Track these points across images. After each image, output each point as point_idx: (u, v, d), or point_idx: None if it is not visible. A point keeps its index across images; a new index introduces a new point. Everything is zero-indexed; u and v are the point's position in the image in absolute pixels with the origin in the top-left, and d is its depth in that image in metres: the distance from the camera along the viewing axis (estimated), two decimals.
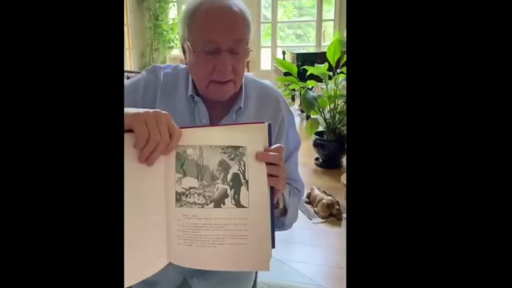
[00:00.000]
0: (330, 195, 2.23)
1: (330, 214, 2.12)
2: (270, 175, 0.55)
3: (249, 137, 0.54)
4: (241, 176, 0.54)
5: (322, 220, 2.11)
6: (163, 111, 0.52)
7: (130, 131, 0.50)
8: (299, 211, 2.14)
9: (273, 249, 0.56)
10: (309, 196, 2.32)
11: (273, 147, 0.55)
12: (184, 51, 0.75)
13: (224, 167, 0.54)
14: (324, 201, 2.15)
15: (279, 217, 0.74)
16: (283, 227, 0.77)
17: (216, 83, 0.69)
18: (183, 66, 0.80)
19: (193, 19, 0.68)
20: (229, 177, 0.54)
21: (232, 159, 0.54)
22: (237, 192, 0.54)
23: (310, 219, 2.13)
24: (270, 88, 0.82)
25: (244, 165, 0.54)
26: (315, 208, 2.21)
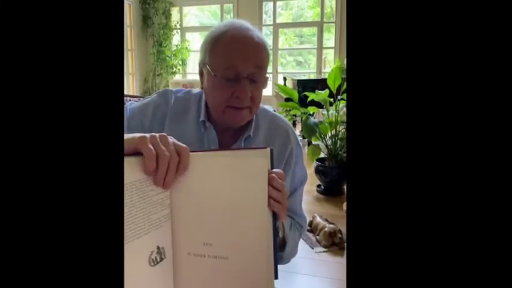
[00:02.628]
0: (332, 224, 2.19)
1: (332, 243, 2.07)
2: (275, 200, 0.52)
3: (249, 163, 0.52)
4: (235, 205, 0.51)
5: (325, 249, 2.06)
6: (168, 136, 0.51)
7: (135, 154, 0.48)
8: (301, 240, 2.11)
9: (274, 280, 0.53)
10: (310, 224, 2.27)
11: (274, 170, 0.53)
12: (201, 75, 0.75)
13: (221, 193, 0.51)
14: (326, 229, 2.10)
15: (277, 250, 0.71)
16: (281, 260, 0.75)
17: (232, 108, 0.70)
18: (196, 91, 0.80)
19: (216, 45, 0.70)
20: (222, 204, 0.51)
21: (228, 186, 0.51)
22: (230, 221, 0.51)
23: (312, 248, 2.07)
24: (280, 120, 0.82)
25: (241, 193, 0.51)
26: (317, 236, 2.16)
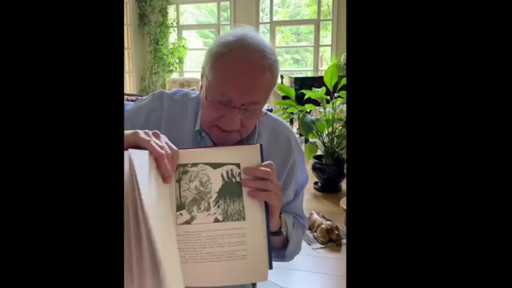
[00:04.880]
0: (329, 220, 2.20)
1: (329, 239, 2.09)
2: (261, 189, 0.57)
3: (242, 155, 0.58)
4: (237, 191, 0.57)
5: (322, 246, 2.07)
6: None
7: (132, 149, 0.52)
8: None
9: (271, 276, 0.56)
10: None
11: (264, 163, 0.58)
12: (202, 78, 0.72)
13: (222, 183, 0.57)
14: (323, 226, 2.12)
15: (281, 248, 0.73)
16: (284, 257, 0.76)
17: (219, 129, 0.67)
18: (194, 94, 0.78)
19: (217, 63, 0.64)
20: (226, 192, 0.57)
21: (228, 175, 0.57)
22: (235, 207, 0.57)
23: (310, 244, 2.09)
24: (282, 126, 0.79)
25: (240, 182, 0.57)
26: (314, 233, 2.17)
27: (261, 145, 0.58)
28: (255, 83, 0.63)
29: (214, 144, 0.73)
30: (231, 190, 0.57)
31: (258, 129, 0.76)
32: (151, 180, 0.50)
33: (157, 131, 0.54)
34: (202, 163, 0.57)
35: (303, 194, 0.84)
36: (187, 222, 0.56)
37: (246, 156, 0.58)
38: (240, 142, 0.75)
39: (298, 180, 0.81)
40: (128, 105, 0.79)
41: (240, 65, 0.63)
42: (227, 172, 0.57)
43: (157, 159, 0.51)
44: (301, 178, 0.82)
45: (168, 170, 0.51)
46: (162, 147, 0.52)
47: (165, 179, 0.52)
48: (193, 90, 0.81)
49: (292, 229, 0.74)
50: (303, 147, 3.38)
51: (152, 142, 0.51)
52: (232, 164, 0.58)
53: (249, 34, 0.65)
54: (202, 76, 0.71)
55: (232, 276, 0.56)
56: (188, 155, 0.57)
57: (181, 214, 0.56)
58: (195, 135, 0.74)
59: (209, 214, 0.56)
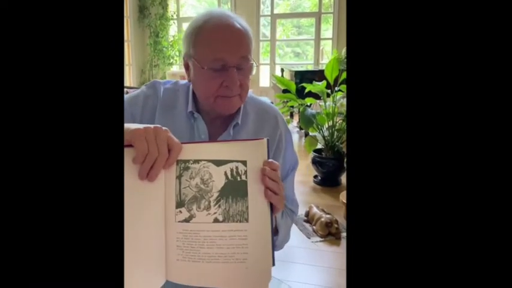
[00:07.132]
0: (328, 214, 2.21)
1: (328, 233, 2.10)
2: (271, 191, 0.55)
3: (249, 152, 0.55)
4: (241, 191, 0.54)
5: (321, 239, 2.08)
6: (163, 127, 0.53)
7: (130, 145, 0.51)
8: (297, 230, 2.14)
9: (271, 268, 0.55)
10: (307, 214, 2.30)
11: (268, 161, 0.56)
12: (187, 68, 0.75)
13: (225, 181, 0.55)
14: (322, 219, 2.13)
15: (274, 238, 0.73)
16: (274, 247, 0.76)
17: (223, 97, 0.71)
18: (183, 82, 0.80)
19: (199, 37, 0.69)
20: (229, 191, 0.54)
21: (232, 173, 0.55)
22: (237, 208, 0.54)
23: (309, 238, 2.10)
24: (268, 105, 0.83)
25: (245, 180, 0.54)
26: (314, 227, 2.18)
27: (267, 140, 0.56)
28: (239, 37, 0.69)
29: (206, 124, 0.75)
30: (234, 189, 0.54)
31: (245, 109, 0.78)
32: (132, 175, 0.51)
33: (159, 128, 0.52)
34: (205, 160, 0.54)
35: (293, 176, 0.85)
36: (186, 221, 0.54)
37: (252, 152, 0.55)
38: (235, 126, 0.76)
39: (288, 162, 0.82)
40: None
41: (220, 28, 0.69)
42: (231, 170, 0.54)
43: (136, 158, 0.51)
44: (290, 160, 0.83)
45: (142, 173, 0.51)
46: (152, 150, 0.51)
47: (141, 177, 0.52)
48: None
49: (281, 219, 0.75)
50: (302, 141, 3.38)
51: (144, 143, 0.50)
52: (237, 161, 0.55)
53: (214, 9, 0.73)
54: (186, 64, 0.74)
55: (230, 279, 0.54)
56: (191, 150, 0.55)
57: (180, 211, 0.54)
58: (188, 118, 0.76)
59: (209, 213, 0.54)
